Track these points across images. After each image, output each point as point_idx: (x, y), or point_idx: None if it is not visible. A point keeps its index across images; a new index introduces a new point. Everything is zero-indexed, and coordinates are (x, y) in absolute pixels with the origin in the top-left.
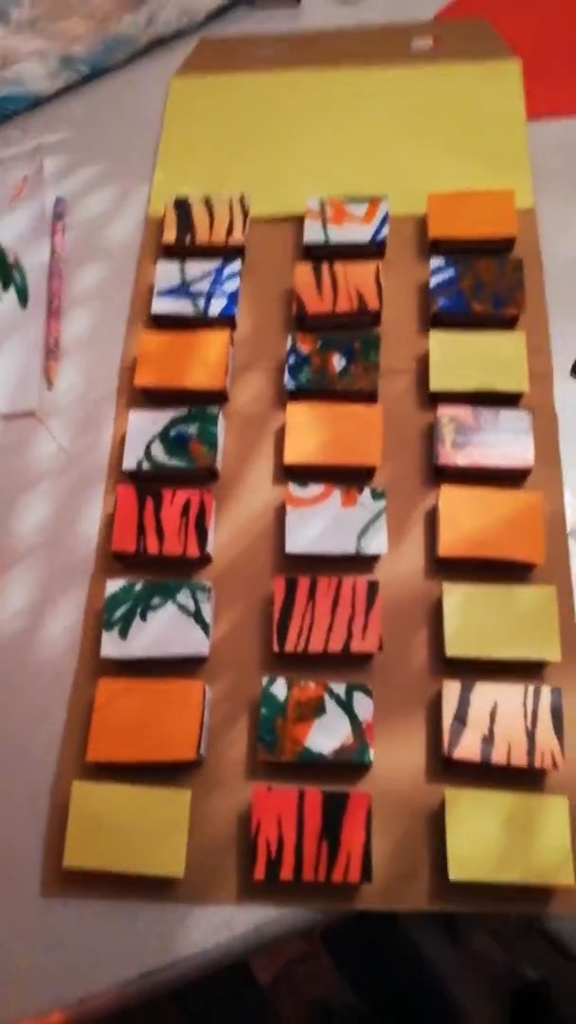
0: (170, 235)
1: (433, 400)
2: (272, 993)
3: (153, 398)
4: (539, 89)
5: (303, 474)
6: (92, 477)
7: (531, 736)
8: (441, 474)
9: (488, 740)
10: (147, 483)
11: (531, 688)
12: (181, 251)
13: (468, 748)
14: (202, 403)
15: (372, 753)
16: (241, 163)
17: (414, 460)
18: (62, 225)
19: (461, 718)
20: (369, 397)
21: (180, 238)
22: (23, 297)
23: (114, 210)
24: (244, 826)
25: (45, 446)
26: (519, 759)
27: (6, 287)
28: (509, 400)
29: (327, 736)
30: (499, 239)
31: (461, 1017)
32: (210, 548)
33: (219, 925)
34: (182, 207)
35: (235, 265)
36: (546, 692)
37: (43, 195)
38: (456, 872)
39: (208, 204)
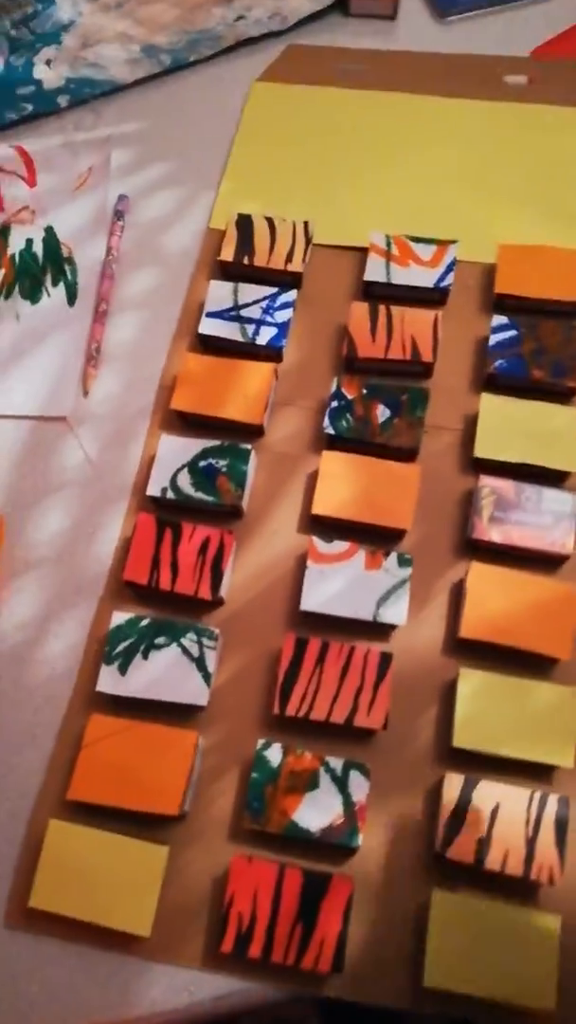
0: (228, 253)
1: (476, 465)
2: None
3: (188, 421)
4: None
5: (330, 526)
6: (115, 495)
7: (531, 845)
8: (474, 547)
9: (485, 843)
10: (169, 512)
11: (538, 794)
12: (238, 271)
13: (463, 849)
14: (237, 435)
15: (361, 838)
16: (311, 181)
17: (447, 526)
18: (122, 225)
19: (459, 815)
20: (409, 453)
21: (238, 258)
22: (72, 295)
23: (176, 214)
24: (219, 891)
25: (72, 454)
26: (515, 868)
27: (55, 283)
28: (556, 477)
29: (317, 813)
30: (569, 302)
31: None
32: (223, 591)
33: (179, 988)
34: (244, 225)
35: (290, 295)
36: (552, 800)
37: (106, 188)
38: (431, 979)
39: (271, 225)
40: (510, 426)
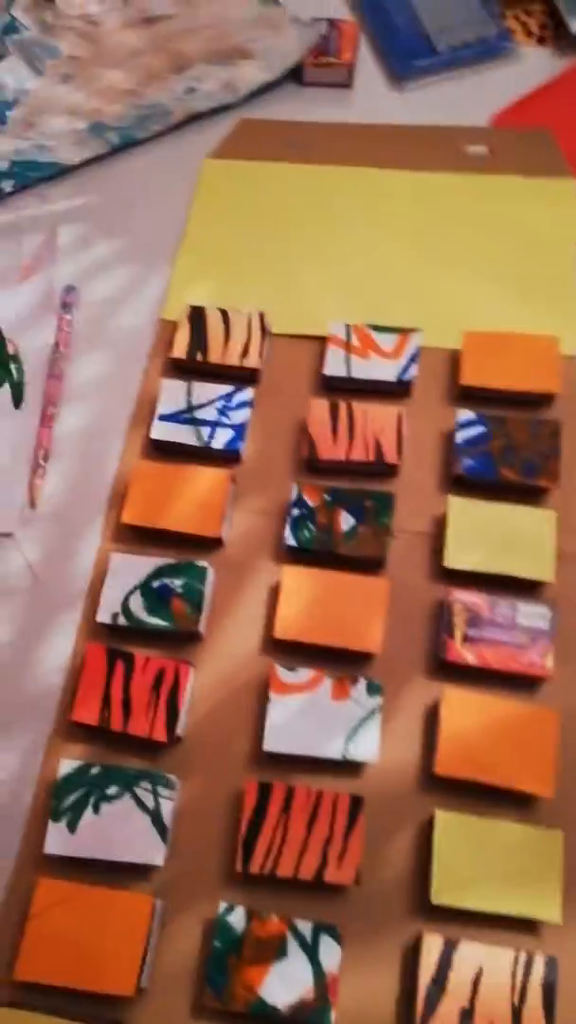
0: (180, 350)
1: (446, 573)
2: None
3: (142, 532)
4: None
5: (293, 648)
6: (62, 615)
7: (517, 1016)
8: (447, 667)
9: (467, 1014)
10: (122, 637)
11: (523, 956)
12: (191, 367)
13: (444, 1023)
14: (193, 546)
15: (334, 1015)
16: (267, 263)
17: (418, 643)
18: (69, 319)
19: (440, 983)
20: (376, 563)
21: (191, 354)
22: (18, 397)
23: (126, 298)
24: None
25: (13, 562)
26: None
27: (0, 383)
28: (531, 585)
29: (285, 986)
30: (537, 393)
31: None
32: (180, 729)
33: None
34: (197, 318)
35: (247, 394)
36: (539, 963)
37: (53, 270)
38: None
39: (225, 318)
40: (480, 531)
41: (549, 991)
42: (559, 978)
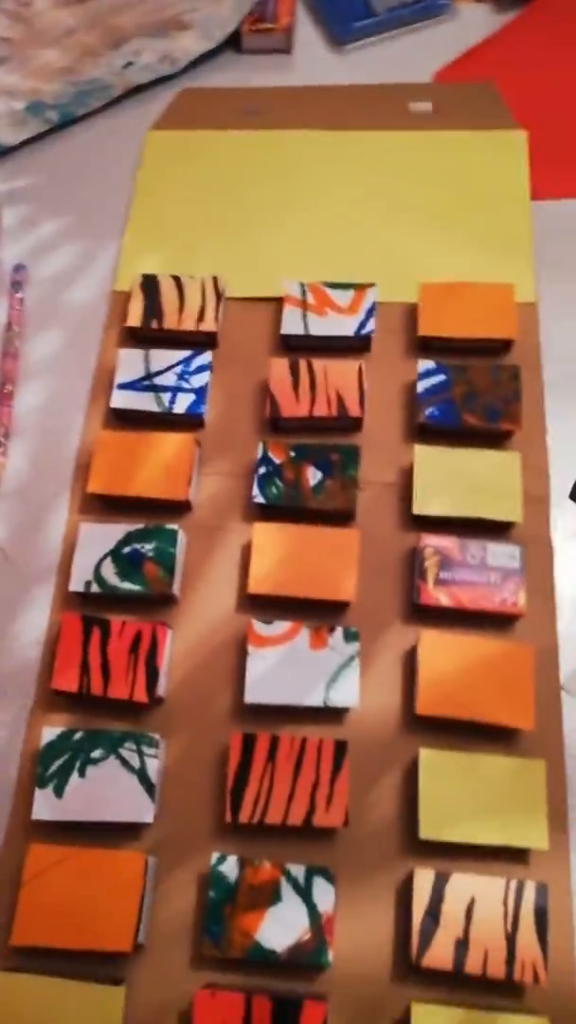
0: (135, 319)
1: (416, 521)
2: None
3: (108, 501)
4: (547, 165)
5: (269, 602)
6: (35, 589)
7: (511, 942)
8: (422, 611)
9: (462, 944)
10: (96, 605)
11: (513, 884)
12: (147, 335)
13: (439, 955)
14: (162, 512)
15: (331, 954)
16: (217, 231)
17: (392, 591)
18: (21, 297)
19: (434, 915)
20: (345, 515)
21: (146, 322)
22: None
23: (77, 273)
24: None
25: None
26: (496, 970)
27: None
28: (500, 527)
29: (281, 930)
30: (495, 339)
31: None
32: (161, 690)
33: None
34: (150, 286)
35: (205, 357)
36: (530, 888)
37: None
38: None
39: (178, 284)
40: (447, 477)
41: (541, 916)
42: (550, 903)
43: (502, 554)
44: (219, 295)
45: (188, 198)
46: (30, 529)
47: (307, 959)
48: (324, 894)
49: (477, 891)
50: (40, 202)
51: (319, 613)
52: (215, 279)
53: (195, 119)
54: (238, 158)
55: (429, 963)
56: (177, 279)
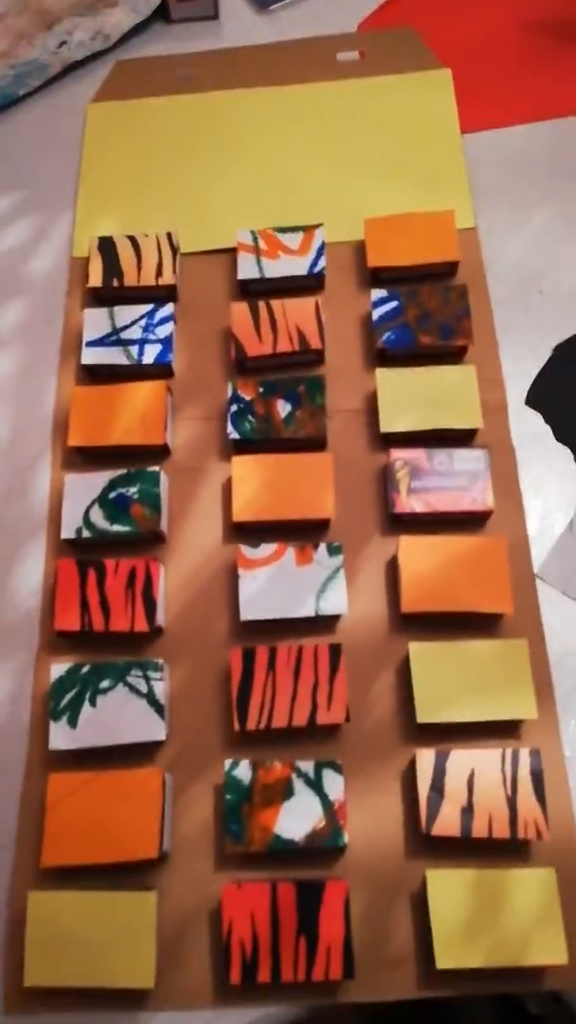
0: (96, 279)
1: (384, 440)
2: None
3: (89, 454)
4: (472, 100)
5: (254, 531)
6: (28, 544)
7: (512, 805)
8: (399, 521)
9: (467, 812)
10: (89, 551)
11: (509, 752)
12: (109, 294)
13: (447, 823)
14: (142, 459)
15: (347, 836)
16: (167, 193)
17: (369, 507)
18: None
19: (438, 789)
20: (318, 443)
21: (107, 281)
22: None
23: (34, 244)
24: (216, 924)
25: None
26: (501, 831)
27: None
28: (464, 436)
29: (297, 820)
30: (442, 264)
31: None
32: (160, 620)
33: None
34: (107, 247)
35: (167, 308)
36: (525, 755)
37: None
38: (443, 961)
39: (134, 243)
40: (409, 396)
41: (538, 778)
42: (544, 766)
43: (468, 458)
44: (174, 249)
45: (134, 164)
46: (17, 489)
47: (325, 843)
48: (334, 784)
49: (476, 763)
50: None
51: (302, 533)
52: (169, 234)
53: (132, 89)
54: (178, 122)
55: (439, 831)
56: (132, 238)
